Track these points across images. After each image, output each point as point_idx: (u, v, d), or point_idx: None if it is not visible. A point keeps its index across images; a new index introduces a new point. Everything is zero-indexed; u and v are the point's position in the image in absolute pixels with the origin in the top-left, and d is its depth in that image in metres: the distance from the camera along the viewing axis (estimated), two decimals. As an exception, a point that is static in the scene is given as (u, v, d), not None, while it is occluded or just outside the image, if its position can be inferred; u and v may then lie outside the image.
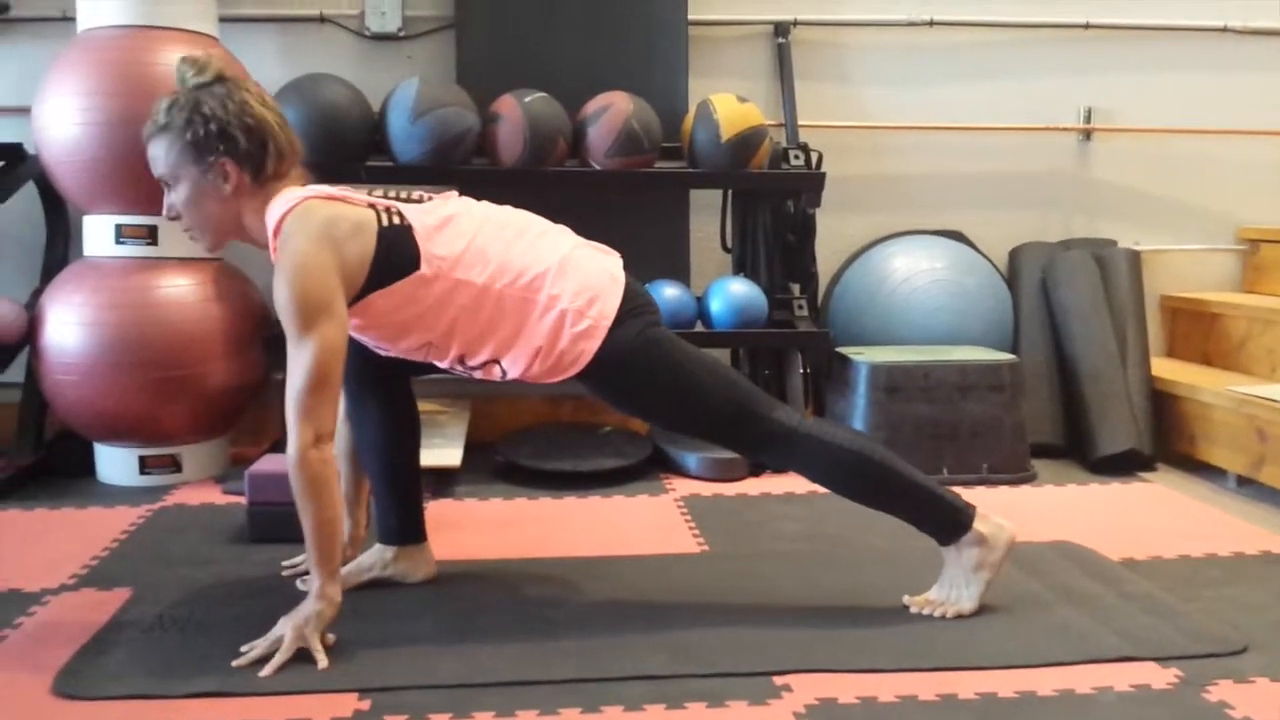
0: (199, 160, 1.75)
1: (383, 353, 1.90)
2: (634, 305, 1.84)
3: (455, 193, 1.90)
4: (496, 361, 1.83)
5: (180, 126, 1.75)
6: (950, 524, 1.88)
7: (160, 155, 1.79)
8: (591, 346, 1.79)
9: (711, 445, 2.95)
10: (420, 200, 1.83)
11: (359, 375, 1.99)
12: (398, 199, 1.81)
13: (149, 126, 1.80)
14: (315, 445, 1.67)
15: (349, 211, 1.74)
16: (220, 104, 1.76)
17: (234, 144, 1.75)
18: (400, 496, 2.05)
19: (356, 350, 1.93)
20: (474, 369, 1.86)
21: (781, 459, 1.90)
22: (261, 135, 1.77)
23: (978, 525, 1.87)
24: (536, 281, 1.78)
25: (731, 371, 1.88)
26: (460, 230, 1.79)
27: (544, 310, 1.78)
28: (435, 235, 1.77)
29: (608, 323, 1.79)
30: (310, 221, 1.70)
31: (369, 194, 1.80)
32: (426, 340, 1.81)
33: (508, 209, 1.90)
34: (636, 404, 1.89)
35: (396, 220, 1.76)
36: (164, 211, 1.84)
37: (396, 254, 1.74)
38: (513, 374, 1.84)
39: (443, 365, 1.88)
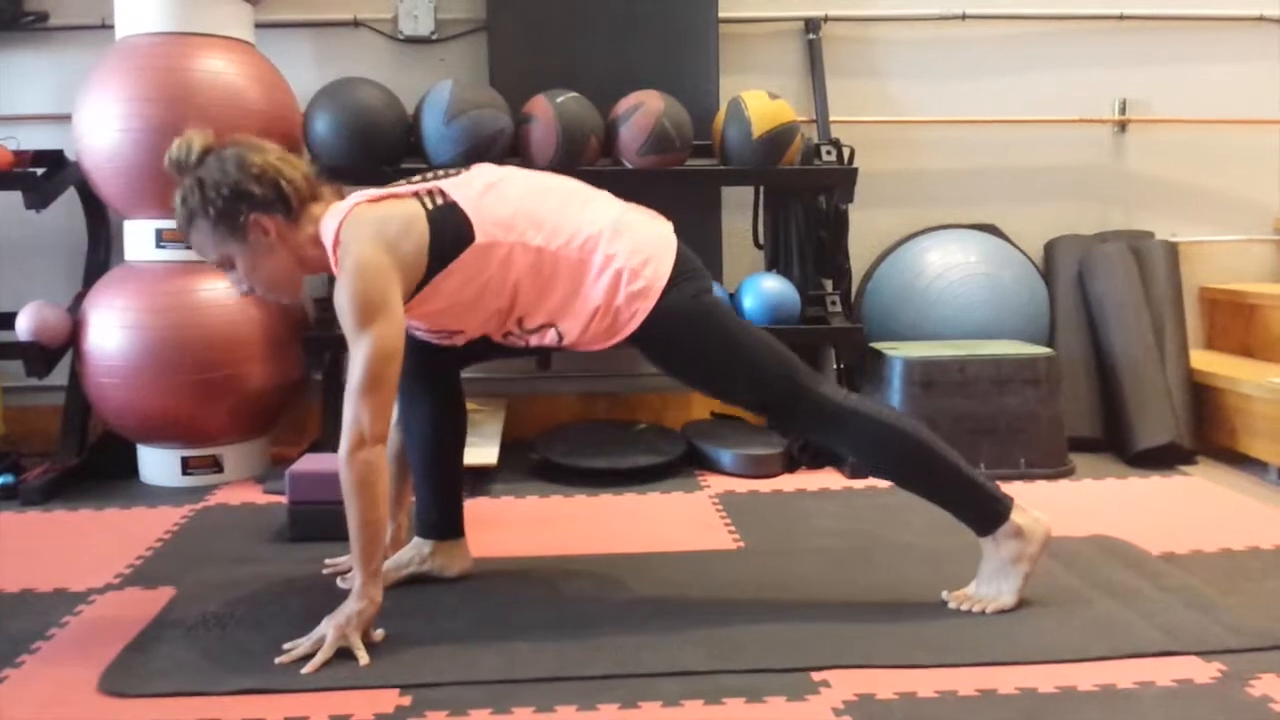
0: (234, 229, 1.77)
1: (443, 343, 1.91)
2: (687, 269, 1.85)
3: (488, 165, 1.92)
4: (553, 325, 1.84)
5: (200, 209, 1.77)
6: (989, 514, 1.87)
7: (202, 243, 1.81)
8: (646, 306, 1.80)
9: (746, 442, 2.96)
10: (456, 174, 1.86)
11: (412, 370, 2.00)
12: (435, 178, 1.84)
13: (178, 225, 1.82)
14: (361, 446, 1.69)
15: (396, 208, 1.76)
16: (220, 171, 1.77)
17: (253, 198, 1.76)
18: (442, 491, 2.07)
19: (412, 346, 1.95)
20: (530, 333, 1.87)
21: (825, 433, 1.90)
22: (271, 177, 1.78)
23: (1015, 517, 1.87)
24: (590, 243, 1.80)
25: (781, 344, 1.89)
26: (505, 195, 1.81)
27: (600, 270, 1.79)
28: (481, 203, 1.79)
29: (662, 283, 1.80)
30: (363, 227, 1.73)
31: (408, 182, 1.83)
32: (496, 308, 1.82)
33: (548, 174, 1.93)
34: (687, 369, 1.89)
35: (440, 200, 1.78)
36: (236, 290, 1.86)
37: (450, 232, 1.76)
38: (569, 338, 1.85)
39: (499, 336, 1.89)
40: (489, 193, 1.81)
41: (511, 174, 1.88)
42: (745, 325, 1.87)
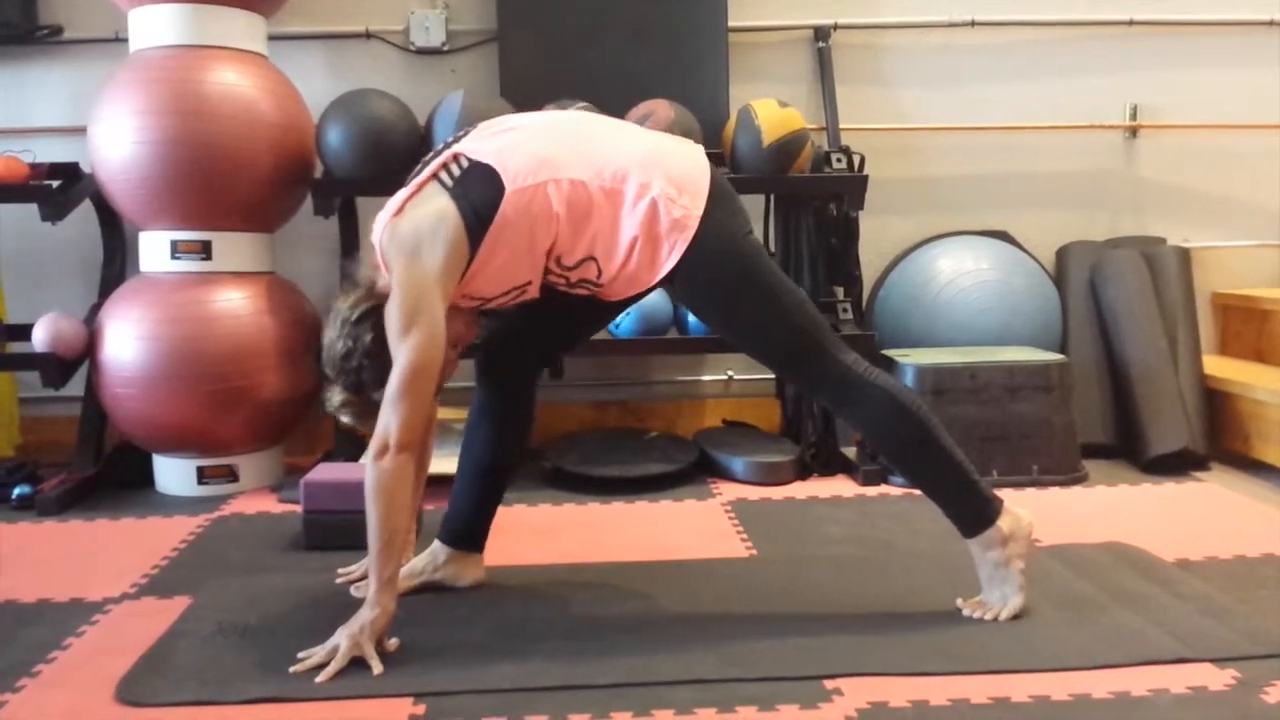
0: (376, 360, 1.79)
1: (517, 302, 1.91)
2: (725, 201, 1.84)
3: (498, 117, 1.93)
4: (592, 258, 1.83)
5: (360, 383, 1.83)
6: (979, 515, 1.87)
7: (369, 383, 1.83)
8: (684, 239, 1.79)
9: (758, 450, 2.96)
10: (466, 134, 1.86)
11: (492, 376, 2.03)
12: (446, 145, 1.85)
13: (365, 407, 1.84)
14: (384, 454, 1.71)
15: (423, 208, 1.77)
16: (347, 335, 1.82)
17: (365, 344, 1.81)
18: (480, 504, 2.08)
19: (495, 348, 2.00)
20: (569, 270, 1.85)
21: (839, 401, 1.89)
22: (365, 348, 1.81)
23: (1000, 522, 1.87)
24: (621, 172, 1.80)
25: (813, 305, 1.89)
26: (527, 137, 1.82)
27: (635, 199, 1.79)
28: (504, 151, 1.79)
29: (699, 213, 1.80)
30: (400, 244, 1.76)
31: (425, 163, 1.84)
32: (546, 247, 1.81)
33: (567, 113, 1.94)
34: (719, 312, 1.88)
35: (460, 168, 1.79)
36: (450, 360, 1.89)
37: (478, 196, 1.76)
38: (608, 272, 1.83)
39: (538, 277, 1.87)
40: (508, 138, 1.81)
41: (526, 116, 1.89)
42: (783, 278, 1.86)
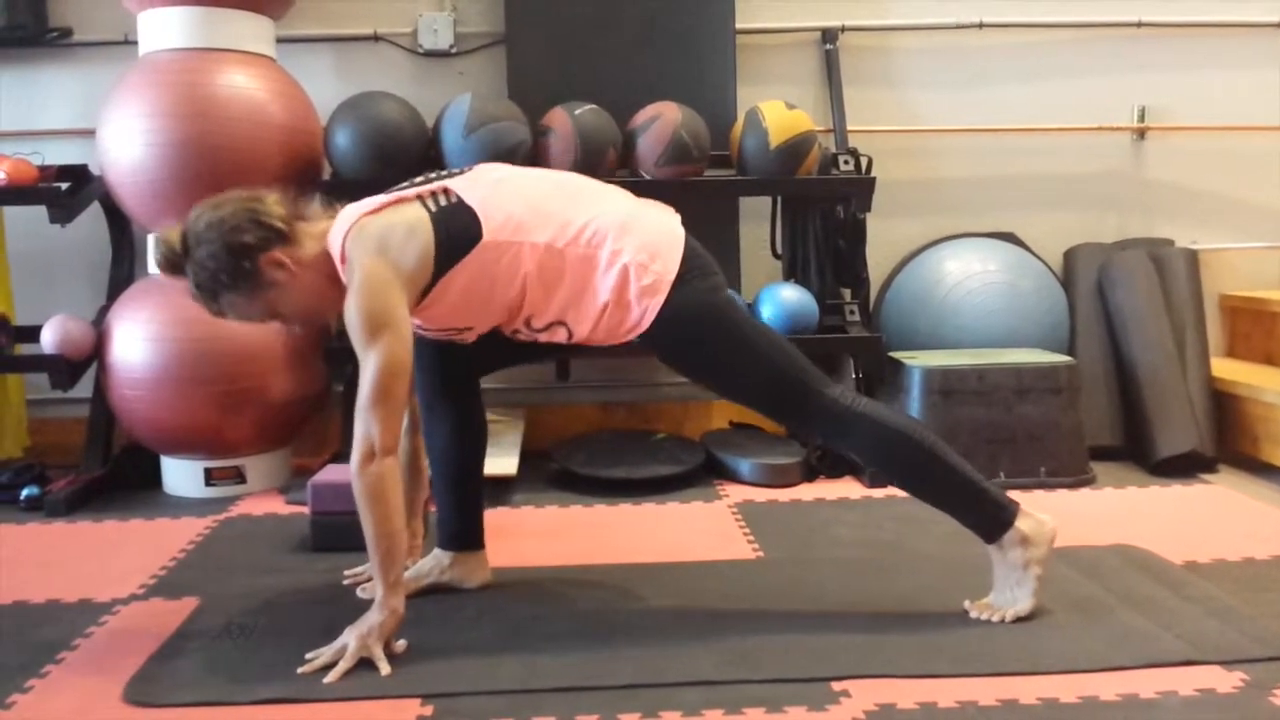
0: (254, 282, 1.78)
1: (454, 339, 1.91)
2: (697, 264, 1.85)
3: (499, 164, 1.93)
4: (563, 323, 1.84)
5: (216, 285, 1.78)
6: (994, 521, 1.87)
7: (240, 310, 1.82)
8: (656, 302, 1.80)
9: (765, 451, 2.96)
10: (462, 173, 1.86)
11: (431, 384, 2.02)
12: (441, 178, 1.85)
13: (211, 311, 1.83)
14: (372, 459, 1.70)
15: (400, 215, 1.77)
16: (206, 243, 1.77)
17: (247, 246, 1.76)
18: (463, 504, 2.08)
19: (431, 356, 1.97)
20: (539, 331, 1.87)
21: (835, 436, 1.90)
22: (248, 219, 1.77)
23: (1019, 523, 1.86)
24: (597, 238, 1.80)
25: (791, 345, 1.89)
26: (512, 192, 1.82)
27: (607, 266, 1.79)
28: (489, 200, 1.79)
29: (671, 277, 1.80)
30: (367, 241, 1.74)
31: (412, 184, 1.83)
32: (505, 303, 1.82)
33: (562, 172, 1.94)
34: (698, 366, 1.90)
35: (444, 201, 1.79)
36: (289, 334, 1.86)
37: (457, 231, 1.76)
38: (579, 335, 1.85)
39: (508, 330, 1.89)
40: (497, 189, 1.81)
41: (519, 171, 1.90)
42: (758, 325, 1.88)
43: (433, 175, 1.87)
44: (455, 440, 2.05)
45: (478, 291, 1.80)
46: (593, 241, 1.80)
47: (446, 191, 1.80)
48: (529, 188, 1.84)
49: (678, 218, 1.92)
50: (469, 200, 1.79)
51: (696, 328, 1.83)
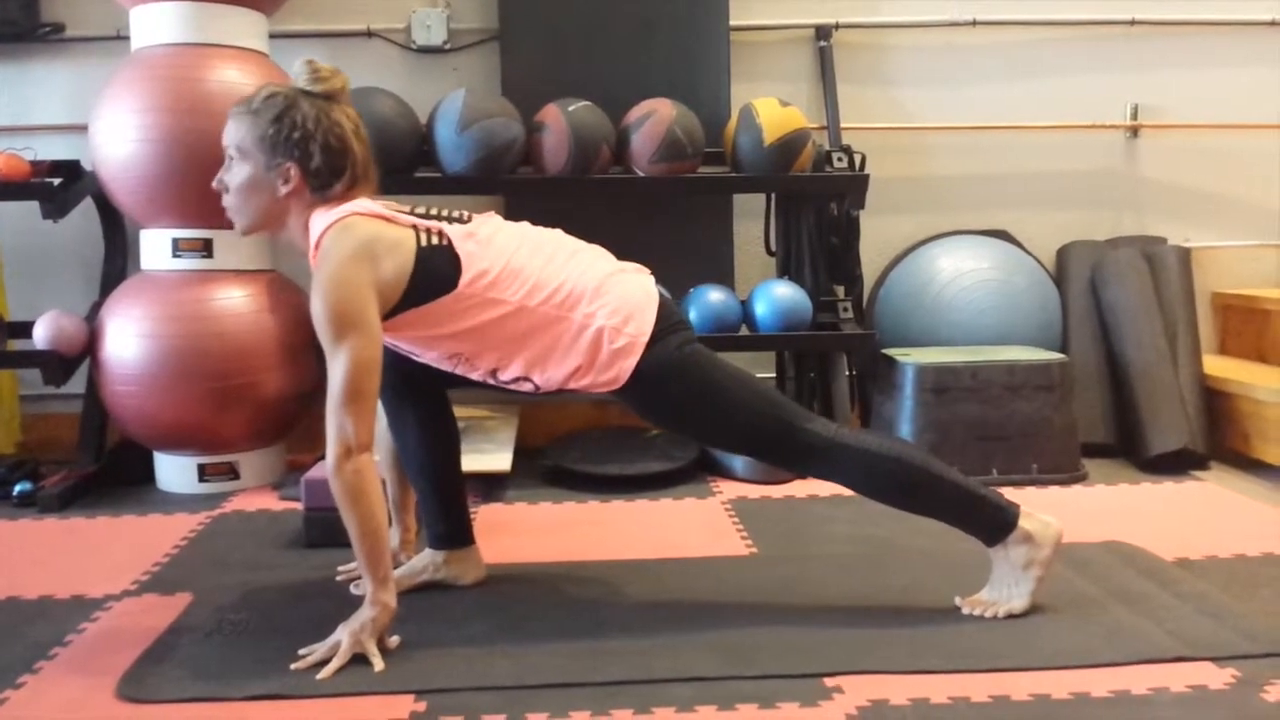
0: (269, 155, 1.79)
1: (416, 358, 1.92)
2: (670, 323, 1.85)
3: (494, 214, 1.93)
4: (528, 378, 1.85)
5: (269, 119, 1.79)
6: (995, 525, 1.87)
7: (236, 131, 1.82)
8: (630, 364, 1.80)
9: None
10: (463, 220, 1.86)
11: (396, 388, 2.01)
12: (440, 218, 1.84)
13: (240, 105, 1.83)
14: (347, 458, 1.69)
15: (389, 230, 1.77)
16: (314, 117, 1.79)
17: (308, 156, 1.78)
18: (445, 503, 2.08)
19: (393, 363, 1.96)
20: (505, 383, 1.88)
21: (821, 470, 1.90)
22: (339, 159, 1.80)
23: (1023, 524, 1.87)
24: (570, 300, 1.80)
25: (766, 386, 1.89)
26: (498, 249, 1.81)
27: (579, 329, 1.80)
28: (475, 256, 1.79)
29: (645, 339, 1.81)
30: (349, 237, 1.73)
31: (412, 212, 1.83)
32: (457, 352, 1.84)
33: (544, 230, 1.93)
34: (675, 419, 1.91)
35: (436, 240, 1.78)
36: (214, 182, 1.86)
37: (434, 273, 1.76)
38: (547, 388, 1.87)
39: (474, 377, 1.90)
40: (484, 248, 1.80)
41: (507, 227, 1.88)
42: (729, 371, 1.87)
43: (433, 211, 1.86)
44: (426, 439, 2.04)
45: (430, 333, 1.80)
46: (566, 303, 1.80)
47: (441, 233, 1.80)
48: (512, 245, 1.83)
49: (652, 278, 1.92)
50: (457, 249, 1.78)
51: (670, 385, 1.83)
